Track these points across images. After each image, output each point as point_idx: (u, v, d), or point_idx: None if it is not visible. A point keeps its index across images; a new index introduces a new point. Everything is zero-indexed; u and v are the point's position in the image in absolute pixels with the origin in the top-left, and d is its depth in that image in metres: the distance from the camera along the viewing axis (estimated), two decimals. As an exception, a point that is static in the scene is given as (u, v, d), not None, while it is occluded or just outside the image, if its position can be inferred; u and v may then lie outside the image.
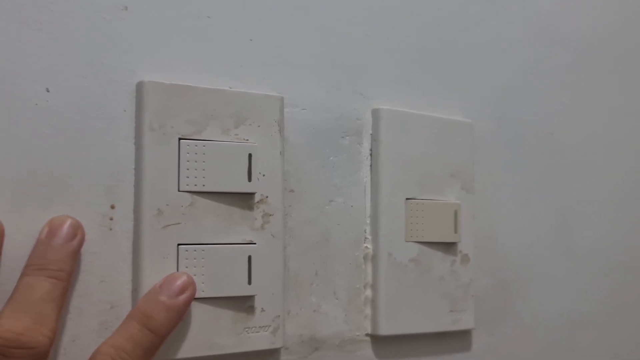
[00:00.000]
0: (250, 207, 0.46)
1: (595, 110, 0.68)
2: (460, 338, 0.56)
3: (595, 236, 0.67)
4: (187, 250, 0.43)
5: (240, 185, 0.45)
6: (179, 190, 0.43)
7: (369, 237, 0.52)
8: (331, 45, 0.52)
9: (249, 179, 0.45)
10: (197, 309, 0.43)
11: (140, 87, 0.43)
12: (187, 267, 0.43)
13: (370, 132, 0.53)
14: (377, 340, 0.52)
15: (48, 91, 0.41)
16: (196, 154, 0.44)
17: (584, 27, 0.68)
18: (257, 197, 0.46)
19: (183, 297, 0.41)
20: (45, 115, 0.41)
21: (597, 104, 0.68)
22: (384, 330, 0.51)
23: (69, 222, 0.39)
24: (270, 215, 0.46)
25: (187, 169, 0.43)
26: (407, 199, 0.53)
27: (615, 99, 0.70)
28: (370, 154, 0.53)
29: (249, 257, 0.45)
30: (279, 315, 0.46)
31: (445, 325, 0.54)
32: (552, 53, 0.65)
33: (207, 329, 0.43)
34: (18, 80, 0.40)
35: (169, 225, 0.43)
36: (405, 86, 0.55)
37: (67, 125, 0.41)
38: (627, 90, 0.71)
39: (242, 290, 0.44)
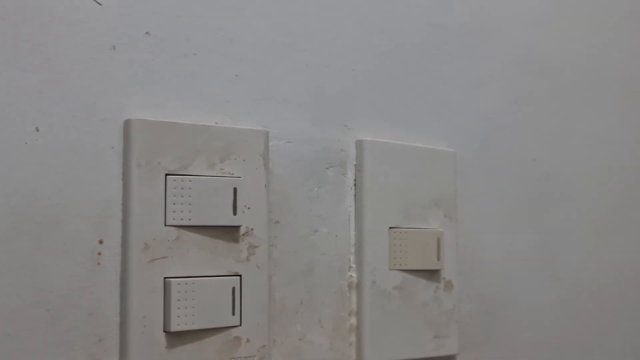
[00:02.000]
0: (236, 240, 0.47)
1: (577, 137, 0.70)
2: (444, 363, 0.58)
3: (579, 261, 0.68)
4: (173, 284, 0.44)
5: (226, 218, 0.46)
6: (165, 225, 0.44)
7: (354, 265, 0.53)
8: (315, 79, 0.53)
9: (234, 213, 0.46)
10: (183, 340, 0.44)
11: (127, 124, 0.44)
12: (174, 300, 0.44)
13: (354, 162, 0.54)
14: (362, 367, 0.53)
15: (38, 130, 0.42)
16: (182, 188, 0.45)
17: (565, 56, 0.69)
18: (242, 230, 0.47)
19: None
20: (35, 154, 0.42)
21: (578, 131, 0.70)
22: (369, 357, 0.52)
23: None
24: (256, 247, 0.48)
25: (174, 204, 0.45)
26: (390, 227, 0.54)
27: (597, 126, 0.71)
28: (355, 184, 0.54)
29: (233, 289, 0.46)
30: (264, 345, 0.47)
31: (429, 351, 0.55)
32: (533, 82, 0.67)
33: (193, 360, 0.44)
34: (8, 120, 0.41)
35: (156, 259, 0.44)
36: (389, 117, 0.57)
37: (56, 163, 0.42)
38: (608, 117, 0.72)
39: (228, 321, 0.45)
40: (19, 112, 0.41)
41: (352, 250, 0.53)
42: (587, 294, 0.68)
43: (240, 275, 0.47)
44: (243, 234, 0.47)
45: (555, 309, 0.66)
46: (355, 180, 0.54)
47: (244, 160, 0.48)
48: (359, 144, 0.54)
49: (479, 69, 0.63)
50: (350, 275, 0.53)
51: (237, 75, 0.49)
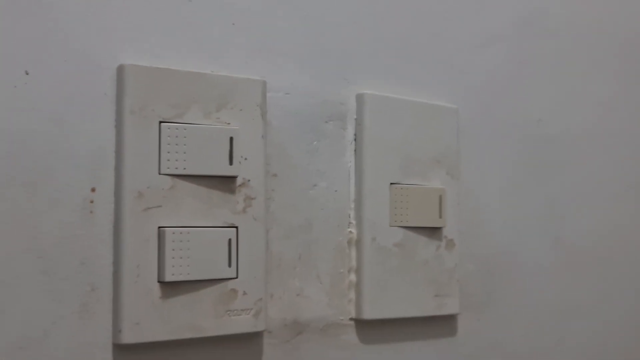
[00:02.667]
0: (232, 191, 0.46)
1: (583, 99, 0.68)
2: (445, 323, 0.57)
3: (583, 224, 0.67)
4: (168, 233, 0.43)
5: (222, 168, 0.45)
6: (159, 174, 0.43)
7: (353, 221, 0.52)
8: (316, 31, 0.51)
9: (231, 163, 0.45)
10: (178, 291, 0.43)
11: (121, 70, 0.43)
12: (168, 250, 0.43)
13: (355, 117, 0.53)
14: (361, 324, 0.52)
15: (27, 74, 0.41)
16: (177, 137, 0.44)
17: (573, 16, 0.68)
18: (238, 181, 0.46)
19: None
20: (25, 98, 0.41)
21: (585, 93, 0.68)
22: (368, 314, 0.51)
23: None
24: (252, 198, 0.46)
25: (168, 152, 0.43)
26: (391, 183, 0.53)
27: (603, 88, 0.70)
28: (355, 139, 0.53)
29: (229, 240, 0.45)
30: (261, 299, 0.46)
31: (430, 310, 0.54)
32: (540, 42, 0.65)
33: (188, 311, 0.43)
34: (-3, 63, 0.40)
35: (150, 208, 0.43)
36: (390, 72, 0.55)
37: (47, 108, 0.41)
38: (615, 80, 0.71)
39: (223, 273, 0.45)
40: (7, 54, 0.40)
41: (352, 206, 0.52)
42: (591, 258, 0.67)
43: (236, 227, 0.45)
44: (239, 185, 0.46)
45: (557, 272, 0.65)
46: (355, 134, 0.53)
47: (240, 110, 0.46)
48: (360, 98, 0.53)
49: (485, 27, 0.61)
50: (350, 231, 0.52)
51: (234, 24, 0.48)
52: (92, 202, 0.42)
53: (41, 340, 0.40)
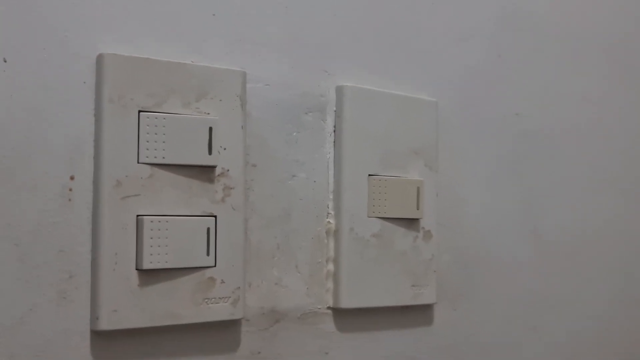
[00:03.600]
0: (211, 180, 0.46)
1: (561, 93, 0.69)
2: (421, 312, 0.57)
3: (559, 218, 0.68)
4: (146, 221, 0.43)
5: (201, 158, 0.45)
6: (138, 162, 0.43)
7: (332, 212, 0.53)
8: (296, 23, 0.52)
9: (210, 152, 0.46)
10: (156, 279, 0.44)
11: (100, 59, 0.43)
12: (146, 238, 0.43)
13: (334, 108, 0.53)
14: (339, 313, 0.52)
15: (5, 61, 0.41)
16: (156, 126, 0.44)
17: (552, 11, 0.69)
18: (217, 171, 0.46)
19: None
20: (3, 86, 0.41)
21: (562, 88, 0.69)
22: (346, 303, 0.52)
23: None
24: (231, 188, 0.47)
25: (147, 141, 0.44)
26: (369, 175, 0.54)
27: (581, 83, 0.71)
28: (334, 131, 0.53)
29: (208, 229, 0.45)
30: (239, 287, 0.47)
31: (407, 300, 0.55)
32: (519, 36, 0.66)
33: (166, 299, 0.44)
34: (-25, 50, 0.40)
35: (128, 196, 0.43)
36: (370, 64, 0.56)
37: (25, 96, 0.41)
38: (592, 74, 0.72)
39: (202, 261, 0.45)
40: (-15, 41, 0.40)
41: (331, 197, 0.53)
42: (567, 251, 0.69)
43: (215, 216, 0.46)
44: (218, 175, 0.46)
45: (533, 264, 0.66)
46: (334, 126, 0.53)
47: (220, 100, 0.47)
48: (339, 90, 0.53)
49: (464, 21, 0.62)
50: (329, 222, 0.53)
51: (214, 15, 0.48)
52: (70, 190, 0.42)
53: (17, 327, 0.40)
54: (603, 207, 0.72)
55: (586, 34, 0.71)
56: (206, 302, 0.45)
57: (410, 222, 0.56)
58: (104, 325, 0.42)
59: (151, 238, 0.43)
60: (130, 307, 0.42)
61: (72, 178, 0.43)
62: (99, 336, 0.42)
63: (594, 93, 0.72)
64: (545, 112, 0.68)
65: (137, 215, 0.43)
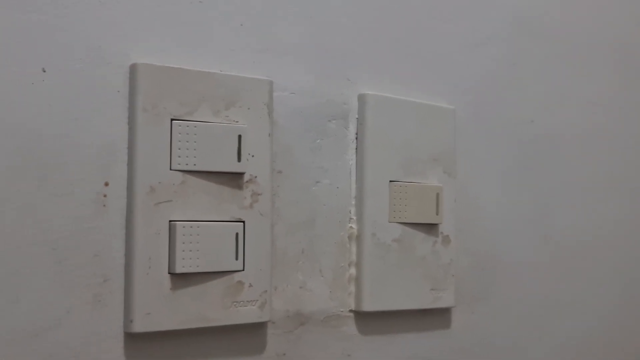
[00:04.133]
0: (240, 187, 0.47)
1: (575, 100, 0.70)
2: (440, 315, 0.59)
3: (571, 222, 0.69)
4: (179, 227, 0.44)
5: (230, 165, 0.47)
6: (170, 169, 0.45)
7: (354, 217, 0.54)
8: (320, 32, 0.53)
9: (239, 159, 0.47)
10: (187, 283, 0.45)
11: (133, 69, 0.44)
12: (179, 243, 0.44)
13: (357, 116, 0.55)
14: (361, 316, 0.54)
15: (44, 71, 0.42)
16: (187, 134, 0.45)
17: (566, 18, 0.70)
18: (246, 177, 0.47)
19: None
20: (42, 95, 0.42)
21: (577, 94, 0.70)
22: (367, 306, 0.53)
23: None
24: (259, 194, 0.48)
25: (179, 149, 0.45)
26: (391, 181, 0.55)
27: (594, 89, 0.72)
28: (356, 138, 0.55)
29: (237, 234, 0.46)
30: (266, 291, 0.48)
31: (426, 303, 0.56)
32: (534, 44, 0.67)
33: (197, 302, 0.45)
34: (16, 60, 0.41)
35: (161, 202, 0.44)
36: (390, 72, 0.57)
37: (62, 104, 0.42)
38: (606, 81, 0.73)
39: (231, 265, 0.46)
40: (25, 52, 0.41)
41: (353, 203, 0.54)
42: (580, 255, 0.70)
43: (243, 222, 0.47)
44: (247, 181, 0.48)
45: (548, 268, 0.67)
46: (357, 133, 0.55)
47: (248, 108, 0.48)
48: (362, 98, 0.54)
49: (480, 29, 0.63)
50: (351, 227, 0.54)
51: (242, 25, 0.50)
52: (105, 196, 0.44)
53: (55, 329, 0.41)
54: (615, 211, 0.73)
55: (600, 41, 0.73)
56: (235, 305, 0.47)
57: (430, 227, 0.57)
58: (138, 327, 0.43)
59: (183, 243, 0.44)
60: (163, 310, 0.44)
61: (106, 184, 0.44)
62: (132, 338, 0.44)
63: (608, 99, 0.73)
64: (560, 118, 0.69)
65: (170, 221, 0.44)
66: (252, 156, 0.48)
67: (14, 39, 0.41)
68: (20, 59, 0.41)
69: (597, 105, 0.72)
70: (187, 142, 0.45)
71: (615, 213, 0.73)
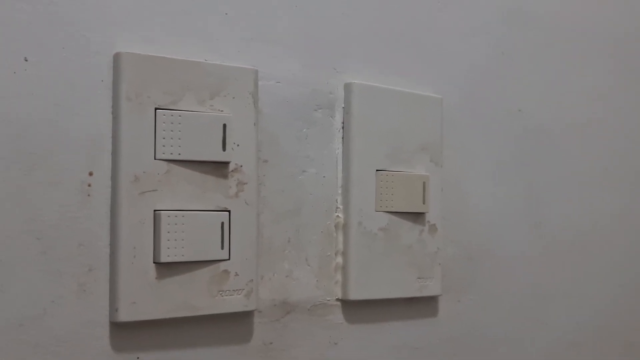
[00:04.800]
0: (225, 176, 0.47)
1: (564, 89, 0.70)
2: (427, 304, 0.59)
3: (561, 212, 0.69)
4: (163, 216, 0.44)
5: (215, 154, 0.47)
6: (155, 159, 0.45)
7: (340, 206, 0.54)
8: (306, 21, 0.53)
9: (224, 149, 0.47)
10: (173, 272, 0.45)
11: (117, 58, 0.44)
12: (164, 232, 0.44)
13: (343, 105, 0.55)
14: (347, 304, 0.54)
15: (26, 60, 0.42)
16: (172, 123, 0.45)
17: (555, 8, 0.70)
18: (231, 166, 0.48)
19: None
20: (24, 84, 0.42)
21: (565, 84, 0.71)
22: (354, 295, 0.53)
23: None
24: (245, 183, 0.48)
25: (163, 138, 0.45)
26: (377, 170, 0.55)
27: (583, 79, 0.72)
28: (342, 127, 0.55)
29: (222, 224, 0.46)
30: (252, 280, 0.48)
31: (413, 292, 0.57)
32: (523, 33, 0.67)
33: (182, 291, 0.45)
34: (-3, 49, 0.41)
35: (146, 191, 0.44)
36: (377, 62, 0.57)
37: (46, 93, 0.42)
38: (596, 71, 0.73)
39: (216, 254, 0.46)
40: (7, 41, 0.41)
41: (339, 192, 0.54)
42: (569, 245, 0.70)
43: (229, 211, 0.47)
44: (232, 171, 0.48)
45: (536, 258, 0.67)
46: (343, 122, 0.55)
47: (233, 97, 0.48)
48: (348, 87, 0.54)
49: (469, 18, 0.63)
50: (337, 216, 0.54)
51: (227, 14, 0.49)
52: (89, 185, 0.44)
53: (40, 318, 0.42)
54: (605, 202, 0.73)
55: (590, 32, 0.73)
56: (221, 294, 0.47)
57: (417, 216, 0.57)
58: (123, 317, 0.43)
59: (168, 232, 0.44)
60: (149, 299, 0.44)
61: (90, 174, 0.44)
62: (118, 327, 0.44)
63: (597, 90, 0.73)
64: (548, 108, 0.69)
65: (155, 210, 0.45)
66: (238, 145, 0.48)
67: (-4, 28, 0.41)
68: (2, 47, 0.41)
69: (586, 95, 0.72)
70: (172, 131, 0.45)
71: (606, 203, 0.73)
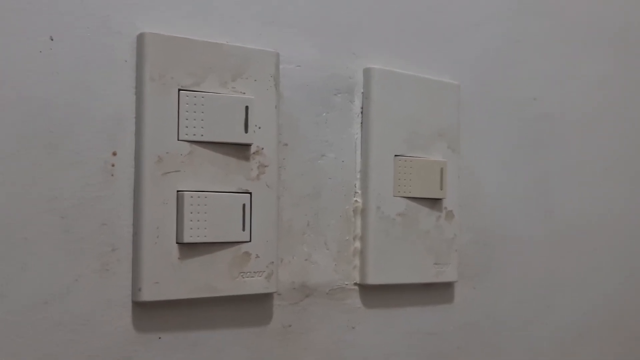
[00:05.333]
0: (247, 158, 0.47)
1: (579, 78, 0.70)
2: (443, 290, 0.59)
3: (573, 199, 0.70)
4: (186, 197, 0.44)
5: (237, 136, 0.47)
6: (178, 140, 0.45)
7: (359, 191, 0.54)
8: (326, 5, 0.53)
9: (246, 131, 0.47)
10: (195, 252, 0.45)
11: (141, 38, 0.44)
12: (187, 213, 0.44)
13: (362, 90, 0.55)
14: (365, 289, 0.54)
15: (52, 40, 0.42)
16: (195, 104, 0.45)
17: (569, -4, 0.70)
18: (253, 149, 0.48)
19: None
20: (49, 63, 0.42)
21: (580, 73, 0.71)
22: (372, 279, 0.53)
23: None
24: (266, 166, 0.48)
25: (187, 119, 0.45)
26: (395, 155, 0.55)
27: (597, 68, 0.72)
28: (361, 112, 0.55)
29: (244, 205, 0.47)
30: (273, 262, 0.48)
31: (430, 277, 0.57)
32: (538, 21, 0.67)
33: (204, 272, 0.45)
34: (23, 29, 0.41)
35: (169, 172, 0.44)
36: (396, 47, 0.57)
37: (70, 73, 0.42)
38: (609, 60, 0.73)
39: (238, 236, 0.46)
40: (33, 20, 0.41)
41: (358, 176, 0.54)
42: (581, 232, 0.70)
43: (250, 193, 0.47)
44: (254, 153, 0.48)
45: (549, 245, 0.68)
46: (362, 107, 0.55)
47: (255, 80, 0.48)
48: (367, 72, 0.54)
49: (485, 5, 0.63)
50: (356, 201, 0.54)
51: (248, -3, 0.49)
52: (113, 165, 0.44)
53: (64, 296, 0.42)
54: (617, 190, 0.73)
55: (603, 19, 0.73)
56: (242, 275, 0.47)
57: (434, 202, 0.57)
58: (146, 296, 0.43)
59: (191, 213, 0.45)
60: (171, 279, 0.44)
61: (114, 154, 0.44)
62: (140, 307, 0.44)
63: (610, 78, 0.73)
64: (562, 96, 0.69)
65: (178, 191, 0.45)
66: (259, 128, 0.48)
67: (22, 7, 0.41)
68: (28, 27, 0.41)
69: (599, 84, 0.72)
70: (195, 112, 0.45)
71: (618, 191, 0.74)
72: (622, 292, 0.74)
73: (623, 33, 0.75)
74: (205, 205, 0.45)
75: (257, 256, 0.48)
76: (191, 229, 0.44)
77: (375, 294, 0.55)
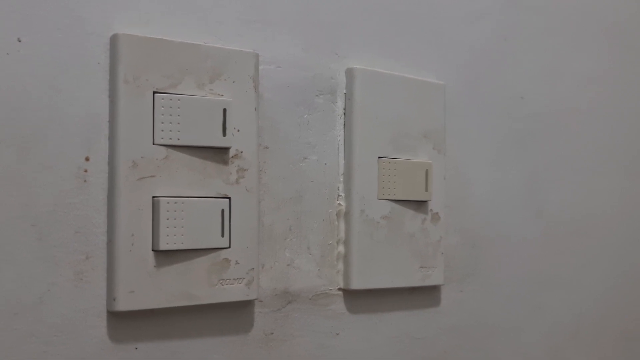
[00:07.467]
0: (225, 162, 0.46)
1: (566, 76, 0.70)
2: (429, 293, 0.58)
3: (563, 199, 0.69)
4: (162, 203, 0.43)
5: (215, 139, 0.45)
6: (153, 144, 0.43)
7: (342, 194, 0.53)
8: (307, 4, 0.52)
9: (224, 134, 0.46)
10: (172, 260, 0.44)
11: (114, 39, 0.43)
12: (163, 219, 0.43)
13: (345, 91, 0.53)
14: (349, 294, 0.53)
15: (20, 41, 0.40)
16: (171, 107, 0.44)
17: (557, -7, 0.69)
18: (231, 152, 0.46)
19: None
20: (18, 65, 0.40)
21: (567, 70, 0.70)
22: (356, 284, 0.52)
23: None
24: (245, 170, 0.47)
25: (162, 123, 0.44)
26: (379, 157, 0.54)
27: (586, 65, 0.71)
28: (344, 113, 0.53)
29: (222, 211, 0.45)
30: (253, 268, 0.47)
31: (415, 281, 0.56)
32: (526, 19, 0.66)
33: (182, 280, 0.44)
34: (-10, 30, 0.40)
35: (144, 177, 0.43)
36: (380, 47, 0.56)
37: (40, 75, 0.41)
38: (597, 57, 0.72)
39: (217, 242, 0.45)
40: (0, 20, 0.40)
41: (341, 179, 0.53)
42: (571, 232, 0.69)
43: (229, 198, 0.46)
44: (232, 156, 0.46)
45: (539, 246, 0.67)
46: (345, 108, 0.53)
47: (233, 81, 0.47)
48: (350, 72, 0.53)
49: (472, 3, 0.62)
50: (339, 204, 0.53)
51: (226, -4, 0.48)
52: (86, 171, 0.42)
53: (36, 306, 0.40)
54: (607, 188, 0.73)
55: (591, 17, 0.72)
56: (221, 283, 0.46)
57: (419, 205, 0.56)
58: (121, 306, 0.42)
59: (167, 219, 0.43)
60: (147, 288, 0.43)
61: (87, 159, 0.42)
62: (115, 316, 0.43)
63: (599, 75, 0.72)
64: (550, 94, 0.68)
65: (153, 197, 0.43)
66: (238, 131, 0.47)
67: (-11, 7, 0.40)
68: (-5, 28, 0.40)
69: (589, 81, 0.71)
70: (171, 115, 0.44)
71: (608, 189, 0.73)
72: (613, 293, 0.73)
73: (612, 30, 0.74)
74: (182, 211, 0.44)
75: (237, 262, 0.46)
76: (167, 235, 0.43)
77: (360, 299, 0.54)
